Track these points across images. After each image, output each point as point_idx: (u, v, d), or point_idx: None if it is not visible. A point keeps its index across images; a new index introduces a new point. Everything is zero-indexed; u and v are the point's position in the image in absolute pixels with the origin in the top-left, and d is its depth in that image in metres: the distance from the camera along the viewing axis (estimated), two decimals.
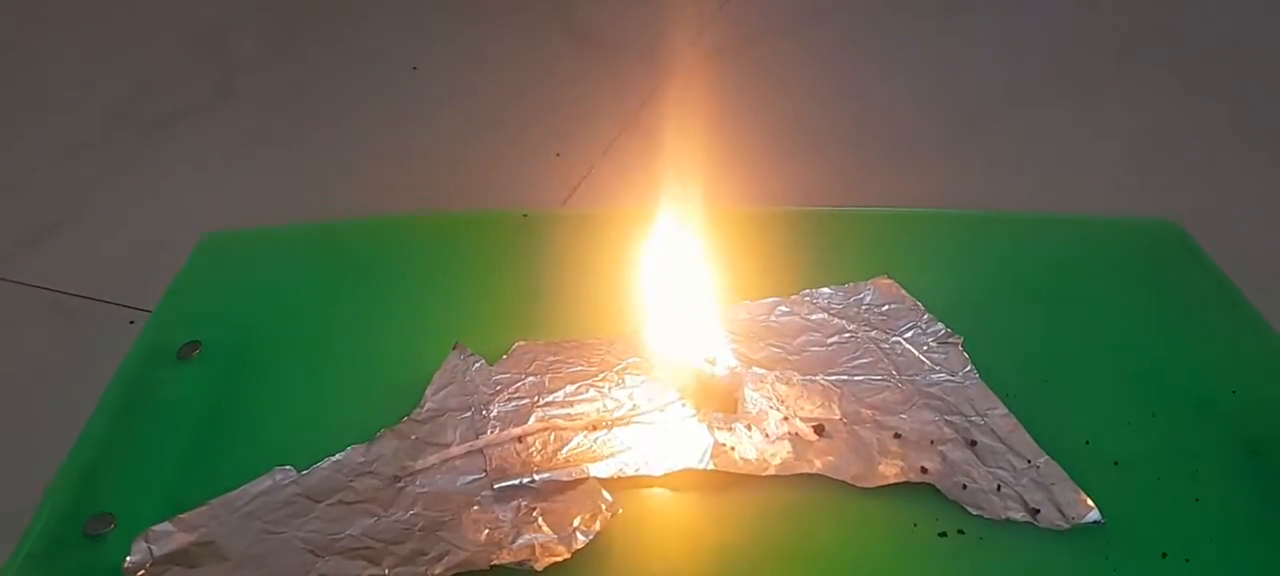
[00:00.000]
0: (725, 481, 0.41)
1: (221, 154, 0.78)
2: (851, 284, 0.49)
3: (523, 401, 0.44)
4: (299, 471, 0.41)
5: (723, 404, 0.43)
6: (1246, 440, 0.43)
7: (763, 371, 0.45)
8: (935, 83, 0.85)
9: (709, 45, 0.88)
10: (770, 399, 0.43)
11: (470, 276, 0.53)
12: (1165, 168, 0.74)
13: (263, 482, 0.41)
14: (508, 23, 0.95)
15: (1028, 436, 0.41)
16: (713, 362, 0.44)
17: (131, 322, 0.60)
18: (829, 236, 0.55)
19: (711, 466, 0.41)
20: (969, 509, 0.39)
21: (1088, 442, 0.43)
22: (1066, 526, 0.38)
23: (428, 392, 0.44)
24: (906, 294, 0.48)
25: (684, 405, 0.43)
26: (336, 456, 0.42)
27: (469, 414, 0.43)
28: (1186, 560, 0.38)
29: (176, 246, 0.55)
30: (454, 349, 0.46)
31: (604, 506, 0.39)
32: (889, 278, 0.49)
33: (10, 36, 0.98)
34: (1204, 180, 0.72)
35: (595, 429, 0.42)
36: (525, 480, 0.40)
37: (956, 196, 0.70)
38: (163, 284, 0.53)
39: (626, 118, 0.77)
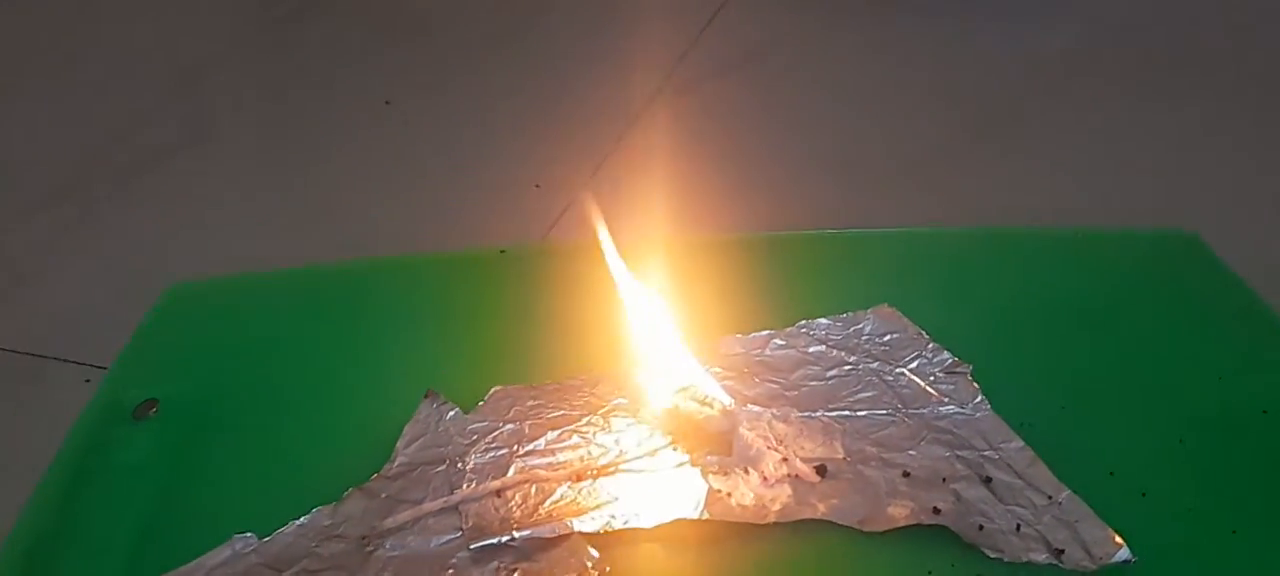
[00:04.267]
0: (722, 531, 0.37)
1: (191, 200, 0.75)
2: (850, 313, 0.46)
3: (501, 451, 0.41)
4: (260, 538, 0.38)
5: (717, 445, 0.40)
6: None
7: (758, 409, 0.42)
8: (934, 96, 0.82)
9: (688, 74, 0.86)
10: (767, 438, 0.40)
11: (445, 319, 0.50)
12: (1175, 176, 0.71)
13: (221, 553, 0.38)
14: (482, 55, 0.92)
15: (1047, 470, 0.38)
16: (704, 401, 0.41)
17: (87, 381, 0.57)
18: (823, 261, 0.52)
19: (706, 515, 0.37)
20: (987, 551, 0.36)
21: (1112, 473, 0.40)
22: (1094, 567, 0.35)
23: (398, 446, 0.41)
24: (909, 322, 0.45)
25: (675, 449, 0.40)
26: (301, 520, 0.38)
27: (443, 467, 0.40)
28: None
29: (142, 300, 0.52)
30: (426, 397, 0.43)
31: (591, 564, 0.36)
32: (889, 305, 0.46)
33: None
34: (1216, 188, 0.69)
35: (580, 479, 0.39)
36: (505, 538, 0.37)
37: (959, 213, 0.67)
38: (124, 340, 0.50)
39: (608, 147, 0.75)
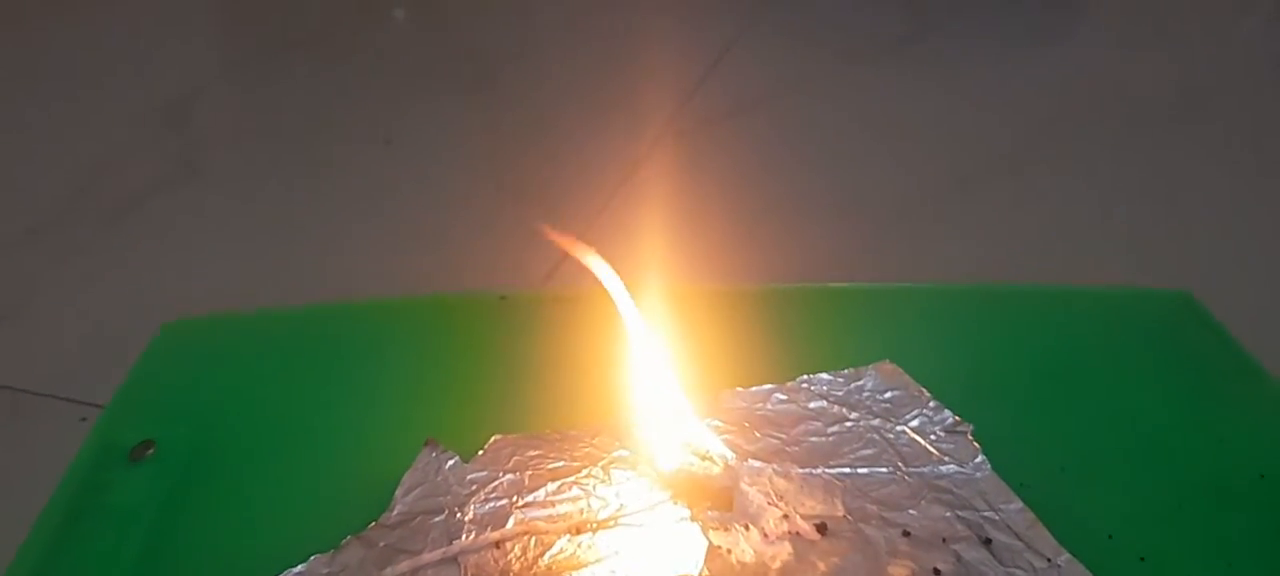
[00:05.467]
0: None
1: (185, 237, 0.75)
2: (852, 369, 0.46)
3: (501, 502, 0.40)
4: None
5: (717, 500, 0.40)
6: (1278, 527, 0.40)
7: (759, 464, 0.42)
8: (929, 150, 0.83)
9: (692, 117, 0.87)
10: (768, 494, 0.40)
11: (445, 364, 0.50)
12: (1172, 235, 0.71)
13: None
14: (482, 96, 0.93)
15: (1047, 532, 0.38)
16: (706, 456, 0.41)
17: (82, 420, 0.57)
18: (825, 315, 0.52)
19: (706, 572, 0.37)
20: None
21: (1111, 537, 0.40)
22: None
23: (397, 494, 0.41)
24: (910, 379, 0.45)
25: (675, 503, 0.40)
26: (298, 568, 0.38)
27: (442, 517, 0.40)
28: None
29: (136, 337, 0.51)
30: (425, 445, 0.43)
31: None
32: (891, 362, 0.46)
33: None
34: (1211, 248, 0.70)
35: (579, 532, 0.39)
36: None
37: (957, 268, 0.67)
38: (119, 378, 0.49)
39: (611, 190, 0.75)
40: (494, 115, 0.89)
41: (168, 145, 0.87)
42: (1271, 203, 0.76)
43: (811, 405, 0.45)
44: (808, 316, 0.51)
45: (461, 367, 0.49)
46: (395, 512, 0.40)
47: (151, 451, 0.45)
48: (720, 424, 0.44)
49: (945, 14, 1.09)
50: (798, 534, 0.39)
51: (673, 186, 0.75)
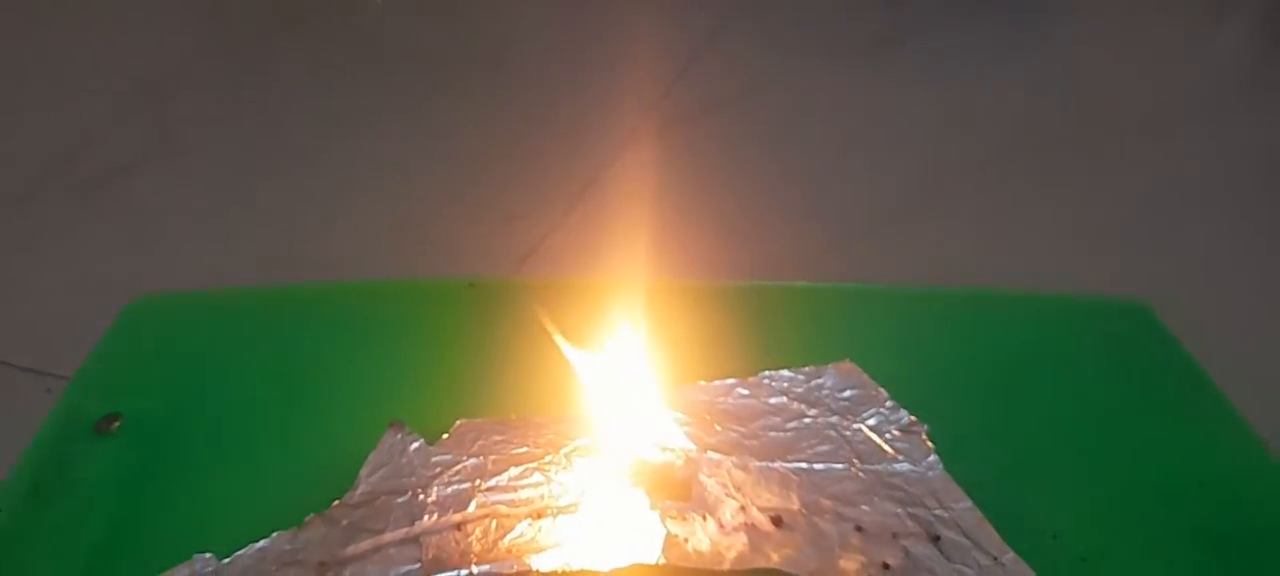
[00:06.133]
0: None
1: (156, 214, 0.75)
2: (812, 367, 0.47)
3: (463, 485, 0.41)
4: (220, 559, 0.38)
5: (676, 491, 0.41)
6: (1215, 533, 0.42)
7: (718, 457, 0.43)
8: (899, 153, 0.84)
9: (669, 112, 0.87)
10: (726, 486, 0.41)
11: (412, 348, 0.50)
12: (1132, 244, 0.73)
13: (181, 572, 0.38)
14: (463, 84, 0.93)
15: (993, 531, 0.39)
16: (666, 448, 0.42)
17: (49, 391, 0.57)
18: (788, 313, 0.53)
19: (663, 560, 0.38)
20: None
21: (1055, 537, 0.41)
22: None
23: (362, 474, 0.42)
24: (869, 378, 0.46)
25: (635, 491, 0.41)
26: (261, 543, 0.39)
27: (405, 498, 0.41)
28: None
29: (104, 311, 0.52)
30: (391, 427, 0.43)
31: None
32: (851, 361, 0.47)
33: None
34: (1170, 257, 0.72)
35: (540, 517, 0.40)
36: (463, 572, 0.38)
37: (924, 270, 0.68)
38: (87, 351, 0.50)
39: (586, 182, 0.75)
40: (469, 106, 0.89)
41: (142, 123, 0.87)
42: (1236, 215, 0.78)
43: (772, 400, 0.46)
44: (772, 313, 0.52)
45: (429, 352, 0.50)
46: (359, 492, 0.41)
47: (118, 424, 0.46)
48: (682, 416, 0.44)
49: (921, 16, 1.10)
50: (753, 525, 0.40)
51: (646, 181, 0.75)
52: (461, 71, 0.95)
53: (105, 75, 0.93)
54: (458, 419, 0.44)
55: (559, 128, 0.83)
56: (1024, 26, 1.11)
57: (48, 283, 0.66)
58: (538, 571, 0.37)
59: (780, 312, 0.52)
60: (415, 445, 0.43)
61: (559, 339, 0.45)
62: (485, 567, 0.38)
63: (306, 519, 0.40)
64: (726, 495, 0.41)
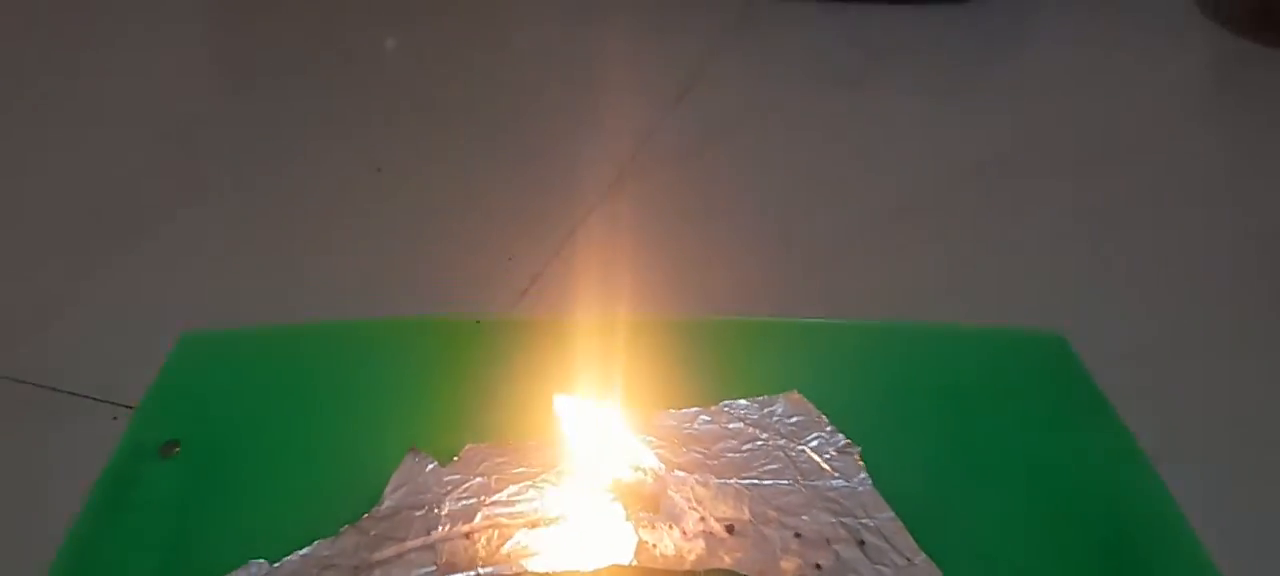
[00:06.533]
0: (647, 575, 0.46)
1: (196, 252, 0.83)
2: (766, 396, 0.55)
3: (471, 500, 0.49)
4: (271, 564, 0.46)
5: (647, 504, 0.49)
6: (1105, 548, 0.50)
7: (683, 475, 0.51)
8: (859, 189, 0.92)
9: (653, 154, 0.95)
10: (690, 500, 0.49)
11: (427, 380, 0.59)
12: (1057, 278, 0.81)
13: (238, 575, 0.46)
14: (464, 128, 1.01)
15: (909, 537, 0.48)
16: (639, 468, 0.50)
17: (114, 419, 0.65)
18: (746, 345, 0.61)
19: (635, 562, 0.46)
20: None
21: (965, 544, 0.49)
22: None
23: (386, 492, 0.50)
24: (813, 407, 0.54)
25: (613, 505, 0.49)
26: (304, 550, 0.47)
27: (423, 512, 0.49)
28: None
29: (151, 343, 0.59)
30: (410, 452, 0.52)
31: None
32: (798, 392, 0.55)
33: None
34: (1092, 290, 0.80)
35: (534, 526, 0.48)
36: (471, 573, 0.46)
37: (880, 300, 0.76)
38: (142, 379, 0.58)
39: (574, 223, 0.84)
40: (470, 147, 0.97)
41: (175, 168, 0.95)
42: (1159, 251, 0.86)
43: (731, 426, 0.54)
44: (731, 345, 0.61)
45: (442, 383, 0.58)
46: (384, 506, 0.49)
47: (177, 449, 0.54)
48: (653, 440, 0.53)
49: (893, 55, 1.18)
50: (711, 533, 0.48)
51: (631, 220, 0.84)
52: (461, 115, 1.03)
53: (140, 120, 1.01)
54: (465, 443, 0.53)
55: (549, 175, 0.92)
56: (993, 62, 1.19)
57: (100, 319, 0.74)
58: (532, 572, 0.46)
59: (738, 344, 0.61)
60: (431, 466, 0.51)
61: (554, 371, 0.54)
62: (490, 570, 0.46)
63: (341, 529, 0.48)
64: (689, 507, 0.49)
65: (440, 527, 0.48)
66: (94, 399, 0.67)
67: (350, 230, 0.83)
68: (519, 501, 0.50)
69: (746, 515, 0.49)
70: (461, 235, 0.81)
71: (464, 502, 0.49)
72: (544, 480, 0.51)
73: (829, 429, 0.53)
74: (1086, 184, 0.92)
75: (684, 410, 0.55)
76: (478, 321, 0.62)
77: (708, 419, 0.54)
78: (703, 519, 0.48)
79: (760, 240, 0.82)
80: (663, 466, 0.51)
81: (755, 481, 0.51)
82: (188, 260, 0.81)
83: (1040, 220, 0.86)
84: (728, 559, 0.47)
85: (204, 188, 0.89)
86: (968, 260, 0.81)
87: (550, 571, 0.46)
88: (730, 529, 0.48)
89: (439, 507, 0.49)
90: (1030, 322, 0.64)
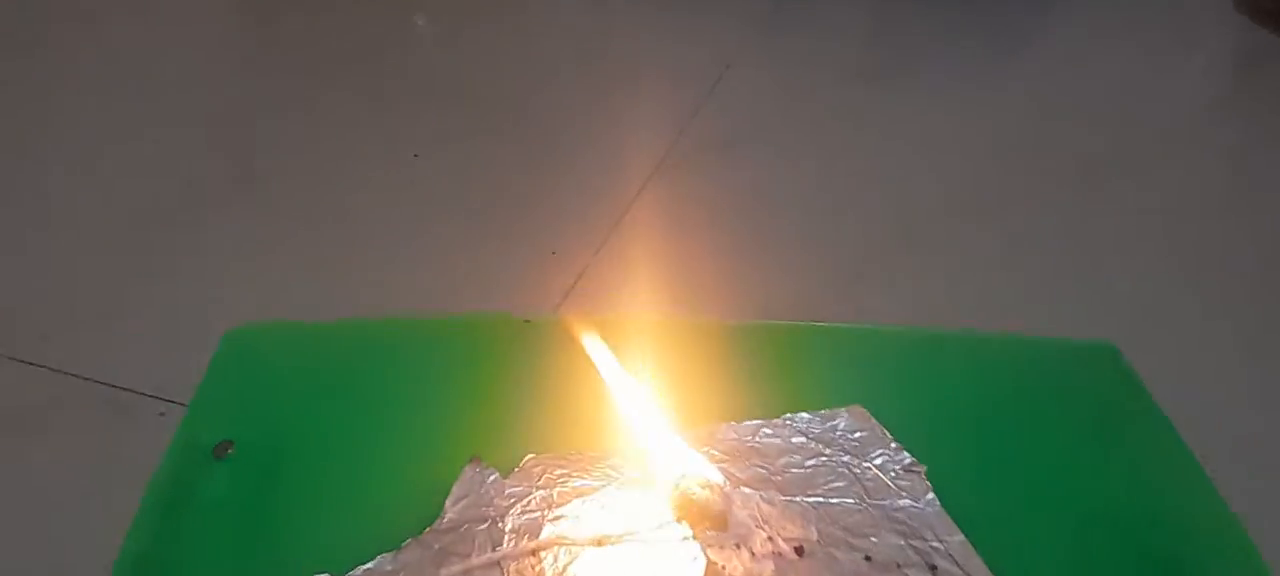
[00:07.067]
0: None
1: (239, 246, 0.82)
2: (828, 410, 0.54)
3: (535, 514, 0.49)
4: None
5: (714, 522, 0.49)
6: (1165, 562, 0.49)
7: (749, 491, 0.50)
8: (905, 190, 0.91)
9: (687, 146, 0.94)
10: (755, 518, 0.49)
11: (477, 382, 0.58)
12: (1106, 287, 0.80)
13: None
14: (499, 118, 0.99)
15: (981, 561, 0.47)
16: (705, 484, 0.50)
17: (161, 415, 0.64)
18: (805, 352, 0.60)
19: None
20: None
21: (1032, 568, 0.49)
22: None
23: (448, 504, 0.49)
24: (876, 422, 0.54)
25: (679, 524, 0.49)
26: (368, 565, 0.46)
27: (486, 526, 0.48)
28: None
29: (199, 338, 0.59)
30: (470, 462, 0.51)
31: None
32: (861, 405, 0.55)
33: (32, 131, 1.00)
34: (1153, 301, 0.79)
35: (601, 545, 0.48)
36: None
37: (933, 306, 0.76)
38: (187, 375, 0.57)
39: (618, 215, 0.83)
40: (506, 141, 0.95)
41: (221, 158, 0.94)
42: (1206, 259, 0.85)
43: (794, 440, 0.53)
44: (791, 353, 0.60)
45: (493, 385, 0.57)
46: (446, 519, 0.49)
47: (231, 450, 0.53)
48: (717, 453, 0.52)
49: (920, 49, 1.17)
50: (780, 554, 0.47)
51: (667, 217, 0.83)
52: (496, 107, 1.02)
53: (181, 116, 1.00)
54: (521, 451, 0.52)
55: (586, 168, 0.90)
56: (1001, 55, 1.17)
57: (147, 313, 0.73)
58: None
59: (798, 352, 0.60)
60: (492, 477, 0.50)
61: (609, 377, 0.53)
62: None
63: (405, 542, 0.47)
64: (756, 526, 0.48)
65: (506, 543, 0.47)
66: (143, 394, 0.66)
67: (384, 224, 0.82)
68: (584, 516, 0.49)
69: (814, 535, 0.49)
70: (502, 230, 0.80)
71: (528, 516, 0.49)
72: (607, 494, 0.50)
73: (893, 446, 0.53)
74: (1126, 181, 0.91)
75: (746, 423, 0.54)
76: (527, 321, 0.62)
77: (770, 432, 0.54)
78: (771, 538, 0.48)
79: (804, 233, 0.82)
80: (727, 482, 0.50)
81: (821, 499, 0.50)
82: (232, 254, 0.80)
83: (1078, 219, 0.86)
84: None
85: (244, 186, 0.88)
86: (1012, 263, 0.81)
87: None
88: (799, 550, 0.48)
89: (502, 521, 0.48)
90: (1073, 326, 0.64)
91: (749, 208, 0.84)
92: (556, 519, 0.49)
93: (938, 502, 0.50)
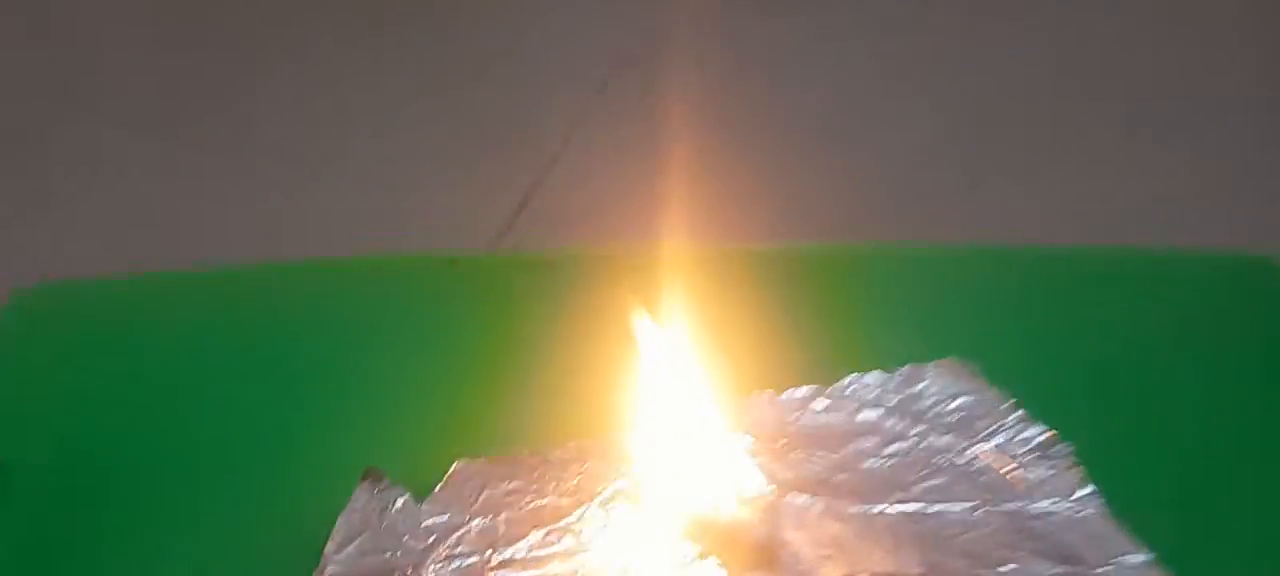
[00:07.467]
0: None
1: (44, 187, 0.63)
2: (908, 367, 0.36)
3: (470, 559, 0.31)
4: None
5: (756, 555, 0.31)
6: None
7: (804, 500, 0.32)
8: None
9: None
10: (820, 544, 0.31)
11: (381, 350, 0.40)
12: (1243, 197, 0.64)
13: None
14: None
15: None
16: (740, 497, 0.31)
17: None
18: (864, 283, 0.42)
19: None
20: None
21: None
22: None
23: (328, 550, 0.31)
24: (983, 380, 0.36)
25: (702, 560, 0.31)
26: None
27: None
28: None
29: None
30: (364, 479, 0.32)
31: None
32: (957, 358, 0.37)
33: None
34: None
35: None
36: None
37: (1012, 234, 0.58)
38: None
39: (569, 125, 0.64)
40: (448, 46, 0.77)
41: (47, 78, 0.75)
42: None
43: (861, 416, 0.35)
44: (846, 287, 0.42)
45: (403, 355, 0.39)
46: (327, 573, 0.30)
47: None
48: (749, 441, 0.34)
49: None
50: None
51: (635, 120, 0.64)
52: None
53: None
54: (450, 454, 0.34)
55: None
56: None
57: None
58: None
59: (858, 283, 0.42)
60: (400, 502, 0.32)
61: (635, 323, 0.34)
62: None
63: None
64: (823, 558, 0.31)
65: None
66: None
67: (273, 154, 0.63)
68: (549, 558, 0.31)
69: (916, 569, 0.31)
70: (426, 152, 0.61)
71: (459, 563, 0.31)
72: (583, 519, 0.32)
73: (1014, 416, 0.35)
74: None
75: (788, 393, 0.36)
76: (452, 260, 0.43)
77: (825, 404, 0.36)
78: None
79: (821, 149, 0.63)
80: (770, 488, 0.32)
81: (919, 507, 0.32)
82: (27, 195, 0.61)
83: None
84: None
85: (86, 101, 0.69)
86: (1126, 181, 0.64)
87: None
88: None
89: (419, 574, 0.30)
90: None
91: (759, 119, 0.65)
92: (504, 564, 0.30)
93: (1099, 500, 0.32)
